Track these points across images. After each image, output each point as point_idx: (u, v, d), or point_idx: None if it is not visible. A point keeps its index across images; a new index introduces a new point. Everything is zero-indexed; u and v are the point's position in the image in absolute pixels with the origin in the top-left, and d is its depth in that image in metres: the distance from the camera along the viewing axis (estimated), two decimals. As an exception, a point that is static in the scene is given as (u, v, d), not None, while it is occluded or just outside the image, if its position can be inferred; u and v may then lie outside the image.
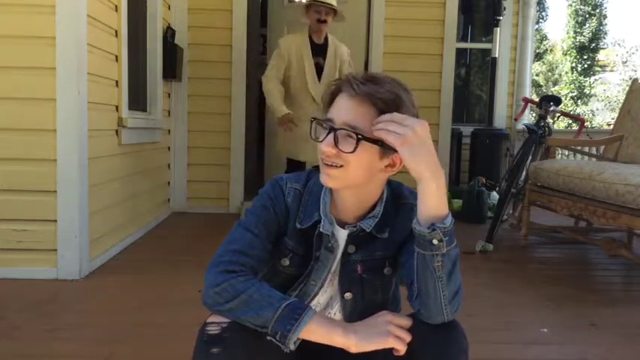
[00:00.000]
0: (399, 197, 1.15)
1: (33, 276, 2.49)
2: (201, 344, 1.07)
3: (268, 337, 0.98)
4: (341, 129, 1.01)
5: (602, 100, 20.17)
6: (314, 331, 0.97)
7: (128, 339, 1.91)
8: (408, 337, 0.99)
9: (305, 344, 1.00)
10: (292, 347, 0.97)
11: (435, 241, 0.96)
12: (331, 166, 1.04)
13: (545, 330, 2.10)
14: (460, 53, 5.72)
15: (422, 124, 0.97)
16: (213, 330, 1.07)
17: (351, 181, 1.06)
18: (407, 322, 1.03)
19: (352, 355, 1.00)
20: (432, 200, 0.99)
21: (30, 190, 2.50)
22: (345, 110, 1.02)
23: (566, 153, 5.06)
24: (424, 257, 0.98)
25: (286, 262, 1.14)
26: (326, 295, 1.16)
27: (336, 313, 1.17)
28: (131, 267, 2.81)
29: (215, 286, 1.06)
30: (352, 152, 1.00)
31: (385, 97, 1.01)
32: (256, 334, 1.00)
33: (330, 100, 1.07)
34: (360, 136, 1.00)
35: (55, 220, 2.50)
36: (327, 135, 1.03)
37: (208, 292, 1.08)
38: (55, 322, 2.04)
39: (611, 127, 4.00)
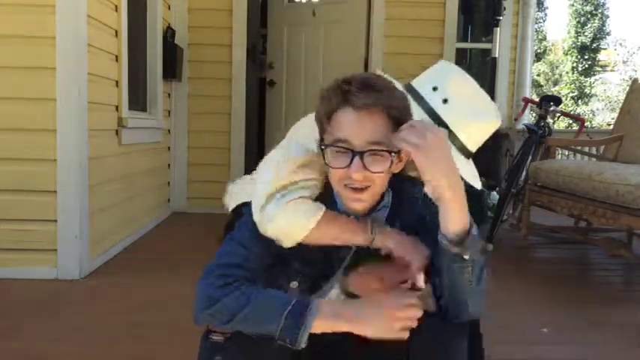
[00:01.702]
0: (400, 188, 1.08)
1: (33, 276, 2.49)
2: (205, 352, 1.05)
3: (278, 342, 0.94)
4: (368, 151, 0.94)
5: (603, 100, 20.17)
6: (320, 327, 0.93)
7: (128, 339, 1.91)
8: (414, 324, 0.93)
9: (311, 345, 0.95)
10: (303, 346, 0.93)
11: (465, 256, 0.94)
12: (360, 189, 0.97)
13: (545, 330, 2.10)
14: (460, 53, 5.70)
15: (438, 131, 0.93)
16: (216, 338, 1.03)
17: (378, 194, 1.01)
18: (416, 312, 0.93)
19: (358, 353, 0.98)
20: (456, 220, 0.97)
21: (30, 190, 2.50)
22: (364, 129, 0.94)
23: (566, 153, 5.05)
24: (452, 268, 0.94)
25: (295, 284, 1.05)
26: (336, 291, 1.08)
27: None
28: (131, 267, 2.81)
29: (207, 308, 0.97)
30: (383, 171, 0.96)
31: (399, 105, 0.97)
32: (259, 342, 0.96)
33: (329, 116, 0.96)
34: (393, 154, 0.96)
35: (55, 220, 2.50)
36: (353, 160, 0.94)
37: (202, 314, 0.99)
38: (55, 322, 2.04)
39: (611, 127, 4.00)
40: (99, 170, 2.74)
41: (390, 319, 0.92)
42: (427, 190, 0.95)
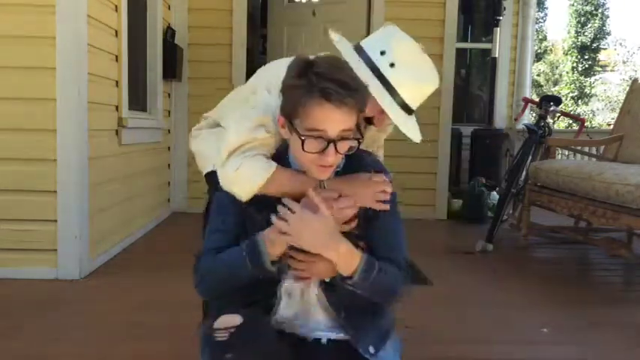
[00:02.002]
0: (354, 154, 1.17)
1: (33, 276, 2.49)
2: (214, 351, 1.09)
3: (267, 275, 1.11)
4: (342, 139, 1.08)
5: (603, 100, 20.17)
6: (273, 248, 1.09)
7: (128, 339, 1.91)
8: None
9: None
10: (272, 268, 1.10)
11: (350, 288, 1.11)
12: (330, 166, 1.11)
13: (545, 330, 2.10)
14: (460, 53, 5.70)
15: (302, 215, 1.08)
16: (221, 336, 1.07)
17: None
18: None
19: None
20: (343, 270, 1.10)
21: (30, 190, 2.50)
22: (339, 119, 1.07)
23: (566, 153, 5.05)
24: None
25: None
26: None
27: None
28: (131, 267, 2.81)
29: (195, 280, 1.19)
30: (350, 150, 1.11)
31: (366, 99, 1.11)
32: (265, 337, 1.07)
33: (301, 104, 1.06)
34: (360, 140, 1.11)
35: (55, 220, 2.50)
36: (328, 146, 1.07)
37: (197, 288, 1.21)
38: (55, 322, 2.04)
39: (611, 127, 4.00)
40: (99, 170, 2.74)
41: (320, 235, 1.08)
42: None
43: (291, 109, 1.10)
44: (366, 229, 1.17)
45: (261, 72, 1.46)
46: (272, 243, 1.09)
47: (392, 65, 1.25)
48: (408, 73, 1.25)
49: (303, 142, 1.08)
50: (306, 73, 1.07)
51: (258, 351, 1.05)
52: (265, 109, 1.20)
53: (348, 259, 1.10)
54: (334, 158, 1.09)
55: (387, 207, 1.17)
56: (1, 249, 2.50)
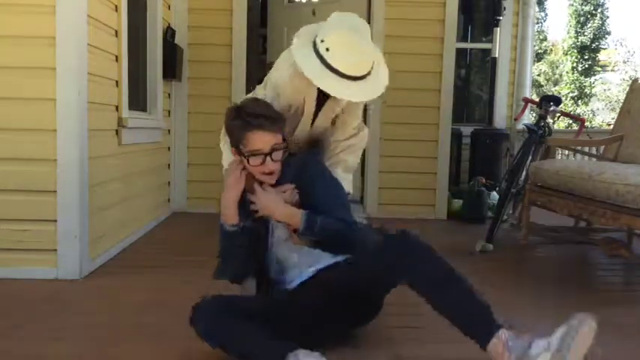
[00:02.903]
0: (296, 159, 1.86)
1: (33, 276, 2.49)
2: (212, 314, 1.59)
3: None
4: (273, 150, 1.68)
5: (603, 100, 20.18)
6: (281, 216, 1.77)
7: (128, 339, 1.91)
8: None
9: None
10: (230, 228, 1.77)
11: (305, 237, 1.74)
12: (270, 173, 1.73)
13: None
14: (460, 53, 5.71)
15: (262, 196, 1.75)
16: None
17: (279, 170, 1.76)
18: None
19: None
20: (292, 224, 1.75)
21: (30, 190, 2.50)
22: (268, 139, 1.68)
23: (566, 153, 5.05)
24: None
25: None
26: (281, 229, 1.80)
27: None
28: (131, 267, 2.81)
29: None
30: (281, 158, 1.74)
31: (282, 122, 1.77)
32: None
33: (242, 136, 1.70)
34: (285, 147, 1.75)
35: (55, 220, 2.50)
36: (265, 159, 1.69)
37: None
38: (55, 322, 2.04)
39: (611, 127, 4.00)
40: (99, 170, 2.74)
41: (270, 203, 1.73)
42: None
43: (237, 141, 1.71)
44: (306, 204, 1.75)
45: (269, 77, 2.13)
46: (225, 211, 1.74)
47: (327, 50, 1.76)
48: (341, 54, 1.74)
49: (248, 160, 1.69)
50: (240, 115, 1.71)
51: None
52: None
53: (291, 217, 1.72)
54: (273, 166, 1.71)
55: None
56: (1, 249, 2.50)
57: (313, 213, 1.70)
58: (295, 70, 1.83)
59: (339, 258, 1.70)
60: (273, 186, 1.76)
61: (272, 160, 1.68)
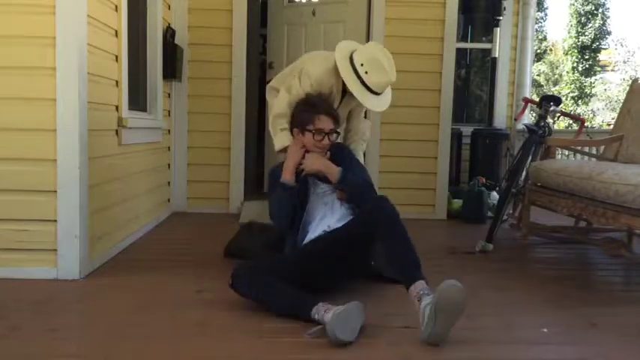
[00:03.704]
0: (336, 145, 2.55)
1: (33, 276, 2.49)
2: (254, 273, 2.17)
3: None
4: (331, 131, 2.43)
5: (603, 100, 20.17)
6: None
7: (128, 339, 1.91)
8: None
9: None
10: (291, 183, 2.41)
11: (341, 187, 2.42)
12: (324, 147, 2.44)
13: (545, 330, 2.10)
14: (460, 53, 5.71)
15: (312, 158, 2.44)
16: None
17: None
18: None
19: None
20: (331, 176, 2.42)
21: (30, 190, 2.50)
22: (329, 123, 2.42)
23: (566, 153, 5.05)
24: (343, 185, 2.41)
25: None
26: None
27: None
28: (131, 267, 2.81)
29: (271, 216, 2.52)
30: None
31: (337, 114, 2.50)
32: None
33: (312, 118, 2.40)
34: (338, 132, 2.51)
35: (55, 220, 2.50)
36: (325, 137, 2.42)
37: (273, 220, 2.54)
38: (55, 322, 2.04)
39: (611, 127, 4.00)
40: (99, 170, 2.74)
41: (317, 161, 2.43)
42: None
43: (306, 122, 2.41)
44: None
45: (303, 60, 2.81)
46: (286, 172, 2.39)
47: (366, 73, 2.49)
48: (372, 76, 2.49)
49: (313, 135, 2.40)
50: (310, 102, 2.45)
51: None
52: (300, 92, 2.54)
53: (330, 168, 2.40)
54: (327, 142, 2.42)
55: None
56: (1, 249, 2.50)
57: (345, 171, 2.40)
58: (331, 70, 2.55)
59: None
60: None
61: (329, 139, 2.41)
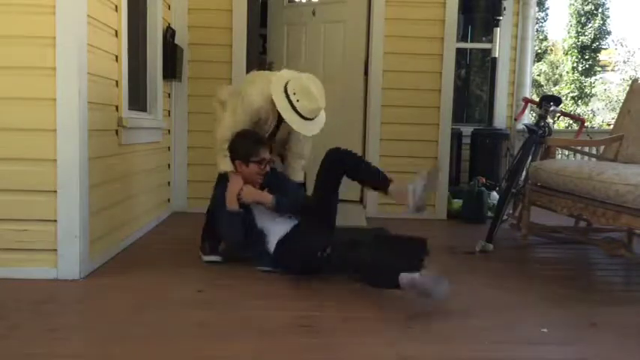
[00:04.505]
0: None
1: (33, 276, 2.49)
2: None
3: None
4: (269, 160, 2.82)
5: (603, 100, 20.17)
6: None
7: (128, 339, 1.91)
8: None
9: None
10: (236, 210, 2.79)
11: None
12: (262, 174, 2.82)
13: (545, 330, 2.10)
14: (460, 53, 5.71)
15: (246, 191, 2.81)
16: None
17: None
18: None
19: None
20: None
21: (30, 190, 2.50)
22: (266, 153, 2.79)
23: (566, 153, 5.06)
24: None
25: None
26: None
27: None
28: (131, 267, 2.81)
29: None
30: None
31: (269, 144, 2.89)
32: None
33: (253, 150, 2.76)
34: (273, 160, 2.94)
35: (55, 220, 2.50)
36: (265, 165, 2.79)
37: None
38: (55, 322, 2.04)
39: (611, 127, 4.00)
40: (99, 170, 2.74)
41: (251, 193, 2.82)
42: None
43: (247, 154, 2.75)
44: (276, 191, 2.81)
45: (246, 81, 3.05)
46: (231, 202, 2.76)
47: (297, 101, 2.72)
48: (304, 103, 2.72)
49: (256, 164, 2.76)
50: (251, 138, 2.79)
51: None
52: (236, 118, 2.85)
53: (265, 199, 2.77)
54: (265, 169, 2.79)
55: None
56: (1, 249, 2.50)
57: (278, 196, 2.79)
58: (268, 97, 2.77)
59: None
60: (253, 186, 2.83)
61: (267, 165, 2.80)
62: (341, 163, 2.82)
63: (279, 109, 2.72)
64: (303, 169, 3.11)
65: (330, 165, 2.83)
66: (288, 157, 3.10)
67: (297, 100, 2.70)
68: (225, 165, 2.83)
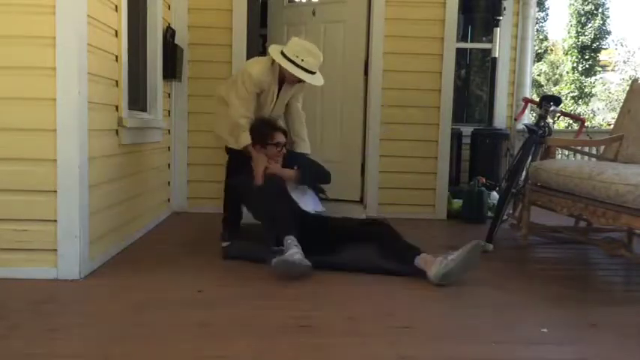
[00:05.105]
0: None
1: (33, 276, 2.49)
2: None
3: None
4: (284, 143, 3.17)
5: (603, 100, 20.17)
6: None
7: (128, 339, 1.91)
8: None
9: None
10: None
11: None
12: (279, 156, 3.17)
13: (545, 330, 2.10)
14: (460, 53, 5.71)
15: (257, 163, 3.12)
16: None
17: None
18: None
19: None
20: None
21: (30, 190, 2.50)
22: (282, 137, 3.15)
23: (566, 153, 5.06)
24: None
25: None
26: None
27: None
28: (131, 267, 2.81)
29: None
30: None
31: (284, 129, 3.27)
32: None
33: (270, 134, 3.12)
34: (286, 144, 3.23)
35: (55, 220, 2.50)
36: (282, 147, 3.14)
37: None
38: (55, 322, 2.04)
39: (611, 127, 4.00)
40: (99, 170, 2.74)
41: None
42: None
43: (265, 137, 3.09)
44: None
45: (244, 66, 3.36)
46: (258, 177, 3.04)
47: (302, 60, 3.03)
48: (309, 60, 3.04)
49: (274, 147, 3.11)
50: (268, 124, 3.15)
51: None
52: (240, 97, 3.11)
53: (288, 175, 3.09)
54: (283, 152, 3.14)
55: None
56: (1, 249, 2.50)
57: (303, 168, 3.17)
58: (268, 69, 3.12)
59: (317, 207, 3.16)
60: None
61: (283, 148, 3.14)
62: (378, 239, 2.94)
63: (288, 69, 3.01)
64: (306, 139, 3.43)
65: (371, 235, 2.97)
66: (290, 121, 3.43)
67: (302, 60, 3.01)
68: (246, 139, 3.08)
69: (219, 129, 3.32)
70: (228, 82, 3.33)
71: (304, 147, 3.38)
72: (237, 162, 3.21)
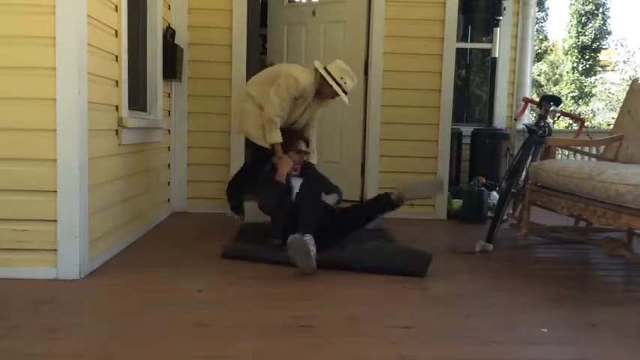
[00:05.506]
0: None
1: (33, 276, 2.49)
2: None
3: None
4: (306, 152, 3.48)
5: (603, 100, 20.17)
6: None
7: (128, 339, 1.91)
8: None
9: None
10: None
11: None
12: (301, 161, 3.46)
13: (545, 330, 2.10)
14: (460, 53, 5.71)
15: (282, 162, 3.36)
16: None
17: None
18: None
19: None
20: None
21: (30, 190, 2.50)
22: (304, 145, 3.45)
23: (566, 153, 5.06)
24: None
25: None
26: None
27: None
28: (131, 267, 2.81)
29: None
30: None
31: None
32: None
33: (295, 143, 3.41)
34: (307, 151, 3.54)
35: (55, 220, 2.50)
36: (303, 154, 3.46)
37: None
38: (55, 322, 2.04)
39: (611, 127, 4.00)
40: (99, 170, 2.74)
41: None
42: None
43: (293, 144, 3.37)
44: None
45: (285, 67, 3.59)
46: (281, 177, 3.25)
47: (345, 83, 3.31)
48: (349, 83, 3.33)
49: (298, 153, 3.40)
50: (290, 133, 3.42)
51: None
52: (281, 97, 3.32)
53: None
54: (303, 157, 3.45)
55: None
56: (1, 249, 2.50)
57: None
58: (312, 82, 3.36)
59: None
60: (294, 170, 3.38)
61: (304, 155, 3.44)
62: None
63: (334, 87, 3.30)
64: (315, 151, 3.72)
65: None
66: (306, 130, 3.68)
67: (345, 83, 3.30)
68: (278, 137, 3.31)
69: (246, 126, 3.53)
70: (256, 82, 3.57)
71: (313, 158, 3.62)
72: (259, 159, 3.52)
